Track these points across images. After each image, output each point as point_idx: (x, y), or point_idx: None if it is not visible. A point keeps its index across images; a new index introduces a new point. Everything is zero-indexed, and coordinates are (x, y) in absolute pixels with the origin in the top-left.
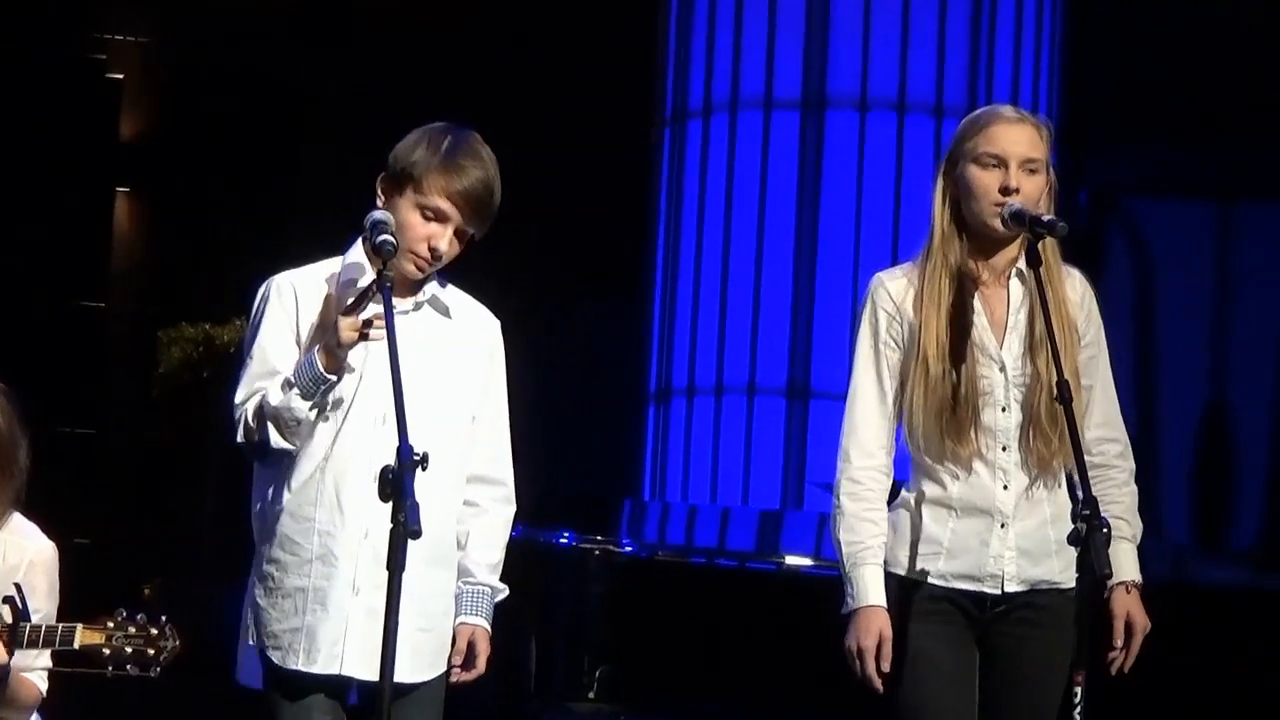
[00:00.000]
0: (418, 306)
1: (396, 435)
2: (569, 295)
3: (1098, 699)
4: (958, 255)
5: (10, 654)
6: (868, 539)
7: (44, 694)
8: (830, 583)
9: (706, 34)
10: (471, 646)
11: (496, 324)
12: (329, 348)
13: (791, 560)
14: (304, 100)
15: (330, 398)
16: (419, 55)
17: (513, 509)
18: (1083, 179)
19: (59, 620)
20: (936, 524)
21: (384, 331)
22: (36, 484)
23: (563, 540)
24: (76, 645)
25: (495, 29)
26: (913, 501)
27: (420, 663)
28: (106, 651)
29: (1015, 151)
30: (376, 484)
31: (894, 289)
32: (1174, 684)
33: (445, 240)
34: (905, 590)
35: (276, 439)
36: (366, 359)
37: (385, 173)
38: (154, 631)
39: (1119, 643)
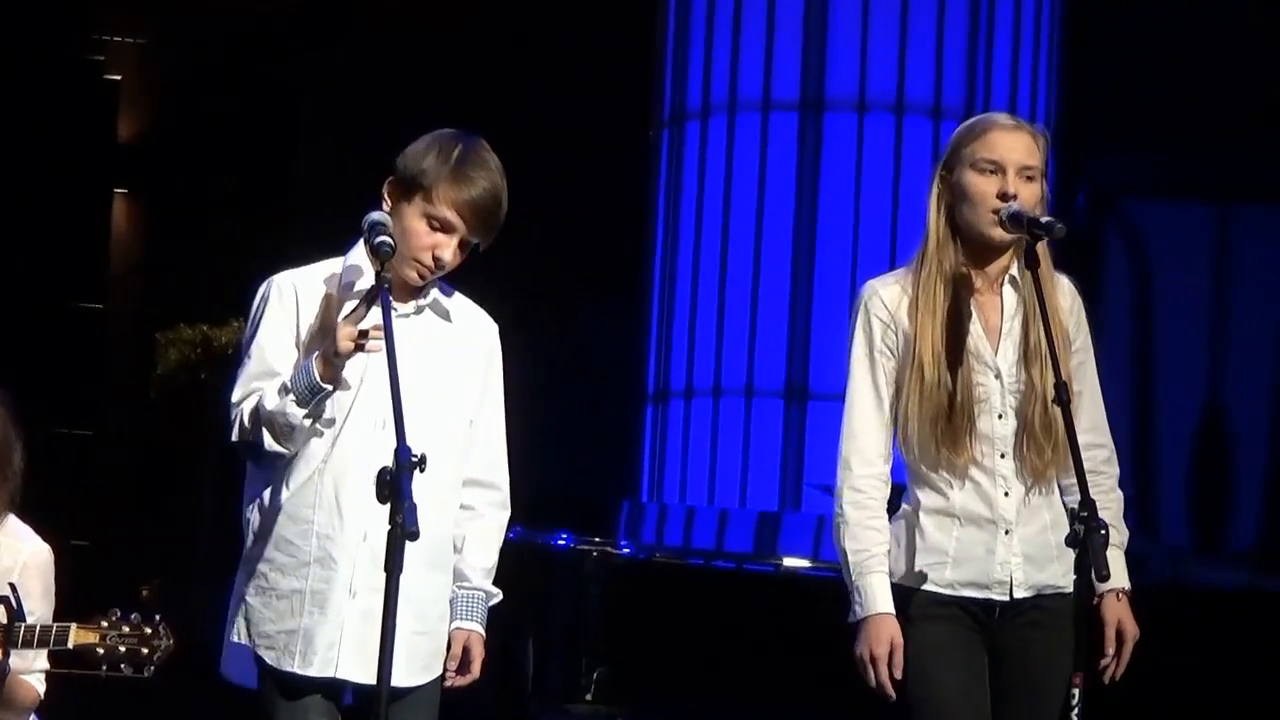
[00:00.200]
0: (419, 310)
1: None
2: (567, 297)
3: (1095, 701)
4: (953, 262)
5: (6, 655)
6: (873, 547)
7: (41, 696)
8: (828, 584)
9: (705, 35)
10: (466, 651)
11: (495, 328)
12: (326, 356)
13: (789, 562)
14: (302, 101)
15: (327, 406)
16: (417, 56)
17: (507, 513)
18: (1081, 180)
19: (55, 621)
20: (940, 533)
21: (382, 343)
22: (34, 485)
23: (560, 542)
24: (71, 645)
25: (494, 29)
26: (914, 512)
27: (416, 666)
28: (101, 651)
29: (1013, 158)
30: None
31: (888, 296)
32: (1172, 686)
33: (449, 251)
34: (910, 599)
35: (270, 443)
36: (368, 363)
37: (393, 177)
38: (148, 631)
39: (1110, 650)
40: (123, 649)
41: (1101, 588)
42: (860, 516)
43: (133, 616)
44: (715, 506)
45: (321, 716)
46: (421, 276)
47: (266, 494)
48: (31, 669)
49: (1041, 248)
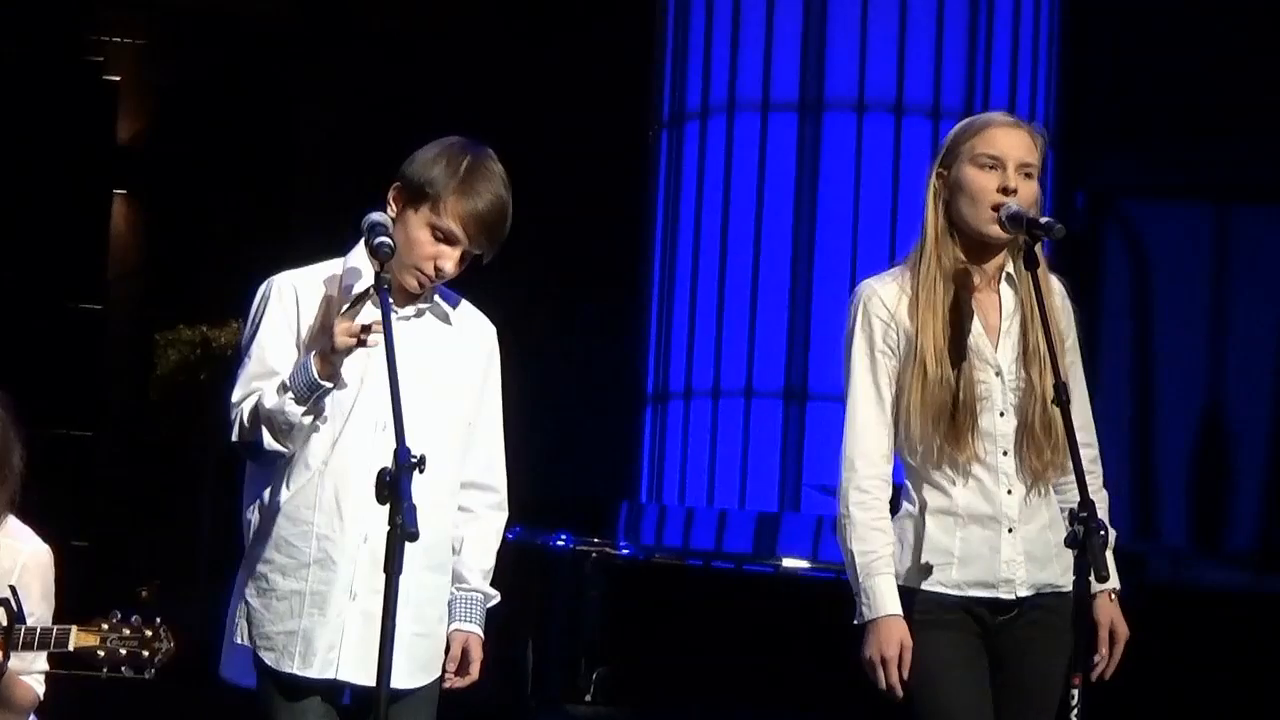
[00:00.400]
0: (419, 313)
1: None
2: (566, 297)
3: (1094, 701)
4: (952, 258)
5: (6, 657)
6: (880, 548)
7: (41, 697)
8: (827, 585)
9: (704, 36)
10: (465, 653)
11: (494, 331)
12: (324, 353)
13: (789, 563)
14: (301, 103)
15: (326, 404)
16: (416, 57)
17: (505, 515)
18: (1080, 181)
19: (55, 623)
20: (944, 533)
21: (381, 337)
22: (33, 487)
23: (560, 542)
24: (71, 647)
25: (493, 31)
26: (917, 512)
27: (415, 667)
28: (101, 653)
29: (1014, 154)
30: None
31: (887, 296)
32: (1171, 686)
33: (451, 262)
34: (914, 602)
35: (269, 441)
36: (368, 364)
37: (400, 183)
38: (148, 633)
39: (1104, 650)
40: (123, 651)
41: (1095, 588)
42: (866, 517)
43: (133, 619)
44: (714, 507)
45: (320, 717)
46: (421, 285)
47: (266, 495)
48: (30, 670)
49: (1037, 247)
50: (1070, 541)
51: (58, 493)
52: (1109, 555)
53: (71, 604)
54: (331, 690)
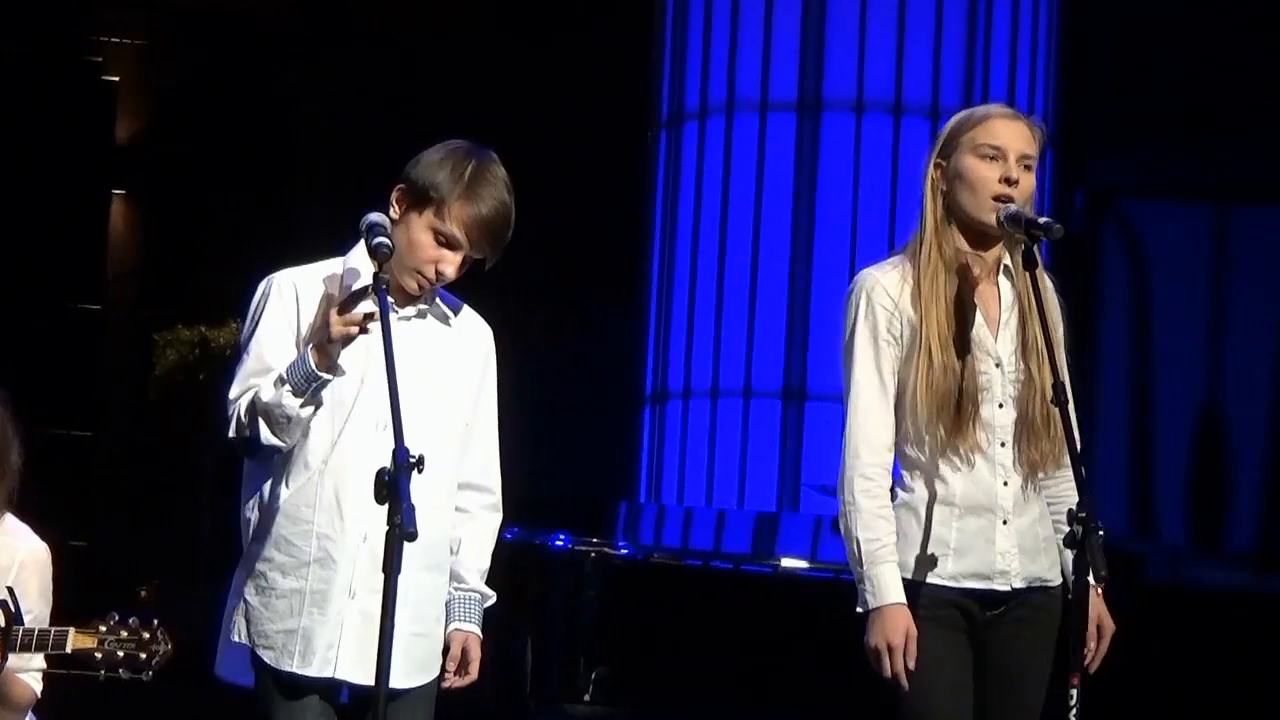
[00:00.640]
0: (419, 314)
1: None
2: (565, 298)
3: (1093, 701)
4: (952, 248)
5: (4, 658)
6: (884, 536)
7: (38, 695)
8: (826, 585)
9: (702, 36)
10: (465, 653)
11: (490, 333)
12: (320, 344)
13: (787, 563)
14: (299, 102)
15: (326, 401)
16: (415, 57)
17: (500, 516)
18: (1079, 181)
19: (53, 622)
20: (941, 524)
21: (378, 325)
22: (32, 486)
23: (558, 542)
24: (69, 649)
25: (492, 31)
26: (914, 502)
27: (413, 667)
28: (99, 655)
29: (1015, 146)
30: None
31: (889, 284)
32: (1171, 686)
33: (452, 266)
34: (911, 594)
35: (267, 435)
36: (368, 364)
37: (403, 184)
38: (146, 635)
39: (1091, 644)
40: (121, 654)
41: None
42: (872, 505)
43: (131, 620)
44: (713, 507)
45: (318, 716)
46: (421, 287)
47: (266, 493)
48: (28, 668)
49: (1035, 247)
50: (1070, 541)
51: (56, 492)
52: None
53: (70, 603)
54: (329, 689)
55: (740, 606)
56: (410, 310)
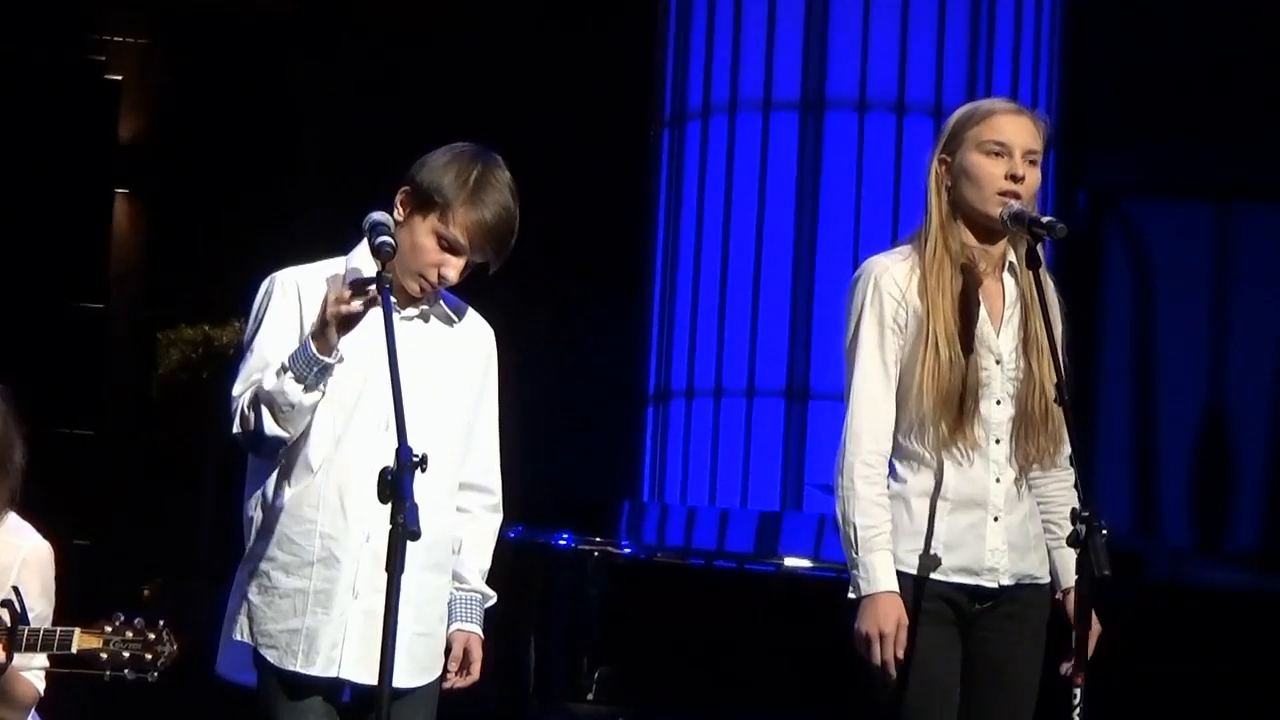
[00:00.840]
0: (422, 314)
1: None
2: (569, 296)
3: (1097, 700)
4: (958, 243)
5: (9, 658)
6: (881, 524)
7: (41, 693)
8: (829, 585)
9: (705, 35)
10: (466, 653)
11: (492, 334)
12: (321, 326)
13: (790, 562)
14: (302, 102)
15: (329, 400)
16: (418, 55)
17: (500, 517)
18: (1081, 180)
19: (56, 621)
20: (932, 517)
21: (381, 325)
22: (35, 485)
23: (561, 541)
24: (74, 650)
25: (495, 30)
26: (906, 494)
27: (416, 667)
28: (104, 656)
29: (1019, 141)
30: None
31: (898, 274)
32: (1173, 685)
33: (455, 270)
34: (900, 586)
35: (270, 426)
36: (372, 364)
37: (408, 187)
38: (151, 636)
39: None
40: (126, 654)
41: (1067, 584)
42: (871, 492)
43: (136, 621)
44: (716, 506)
45: (321, 716)
46: (423, 290)
47: (269, 493)
48: (30, 666)
49: (1039, 246)
50: (1073, 540)
51: (58, 491)
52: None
53: (73, 602)
54: (332, 689)
55: (743, 606)
56: (412, 311)
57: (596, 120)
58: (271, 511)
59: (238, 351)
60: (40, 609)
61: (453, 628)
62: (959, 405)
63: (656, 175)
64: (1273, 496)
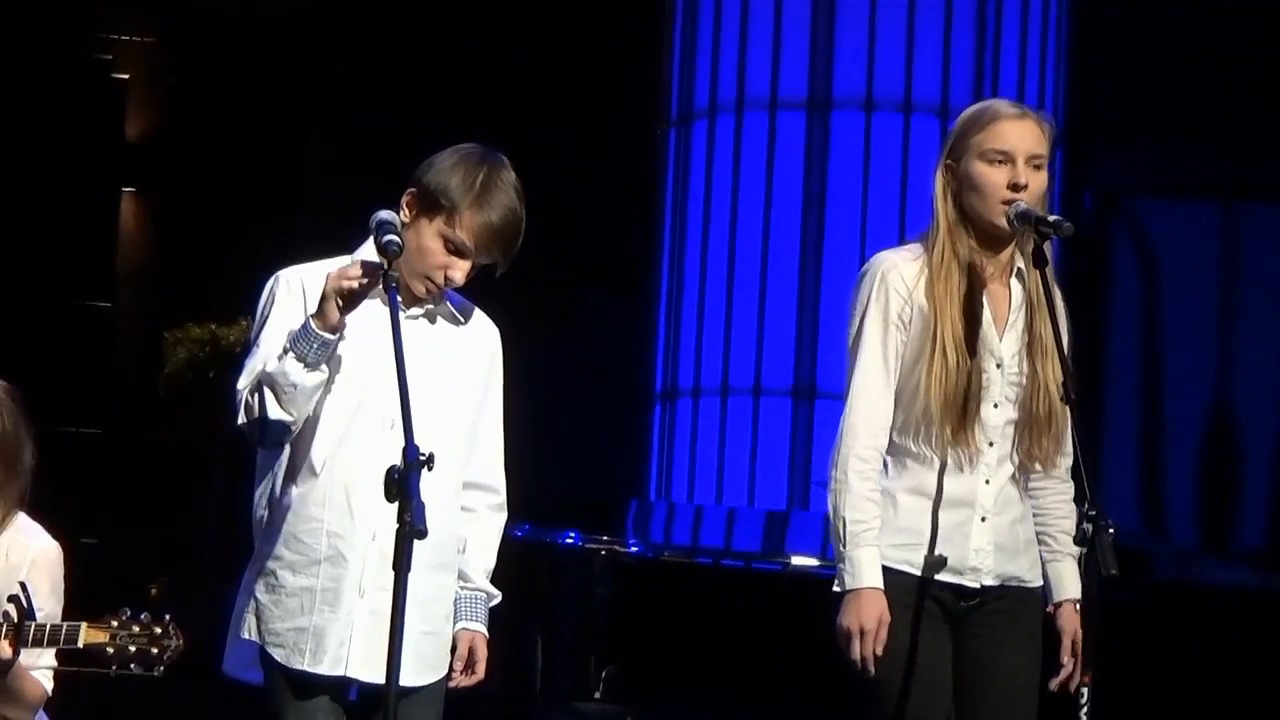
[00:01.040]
0: (428, 313)
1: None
2: (575, 295)
3: (1103, 700)
4: (966, 247)
5: (16, 653)
6: (870, 520)
7: (49, 692)
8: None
9: (712, 34)
10: (472, 652)
11: (497, 333)
12: (321, 301)
13: (797, 561)
14: (309, 101)
15: (331, 395)
16: (424, 54)
17: (505, 516)
18: (1088, 180)
19: (64, 619)
20: (918, 516)
21: (387, 324)
22: (42, 483)
23: (568, 540)
24: (81, 644)
25: (500, 29)
26: (895, 490)
27: (423, 665)
28: (110, 650)
29: (1022, 148)
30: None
31: (907, 272)
32: (1180, 684)
33: (461, 273)
34: (886, 582)
35: (274, 408)
36: (377, 362)
37: (415, 188)
38: (158, 631)
39: (1066, 659)
40: (133, 649)
41: (1058, 597)
42: (863, 487)
43: (143, 616)
44: (723, 505)
45: (328, 715)
46: (429, 291)
47: (276, 491)
48: (38, 665)
49: (1046, 245)
50: (1080, 539)
51: (66, 490)
52: (1074, 567)
53: (80, 601)
54: (339, 687)
55: (750, 604)
56: (417, 310)
57: (602, 120)
58: (279, 510)
59: (244, 350)
60: (49, 608)
61: (458, 627)
62: (962, 409)
63: (663, 174)
64: (1279, 496)
